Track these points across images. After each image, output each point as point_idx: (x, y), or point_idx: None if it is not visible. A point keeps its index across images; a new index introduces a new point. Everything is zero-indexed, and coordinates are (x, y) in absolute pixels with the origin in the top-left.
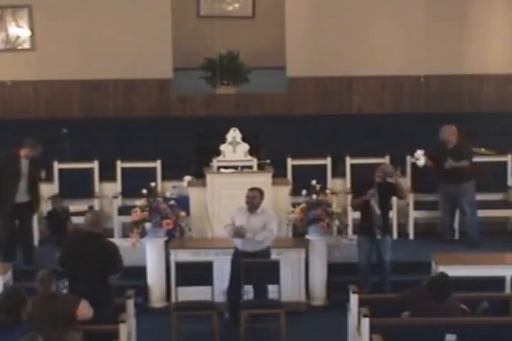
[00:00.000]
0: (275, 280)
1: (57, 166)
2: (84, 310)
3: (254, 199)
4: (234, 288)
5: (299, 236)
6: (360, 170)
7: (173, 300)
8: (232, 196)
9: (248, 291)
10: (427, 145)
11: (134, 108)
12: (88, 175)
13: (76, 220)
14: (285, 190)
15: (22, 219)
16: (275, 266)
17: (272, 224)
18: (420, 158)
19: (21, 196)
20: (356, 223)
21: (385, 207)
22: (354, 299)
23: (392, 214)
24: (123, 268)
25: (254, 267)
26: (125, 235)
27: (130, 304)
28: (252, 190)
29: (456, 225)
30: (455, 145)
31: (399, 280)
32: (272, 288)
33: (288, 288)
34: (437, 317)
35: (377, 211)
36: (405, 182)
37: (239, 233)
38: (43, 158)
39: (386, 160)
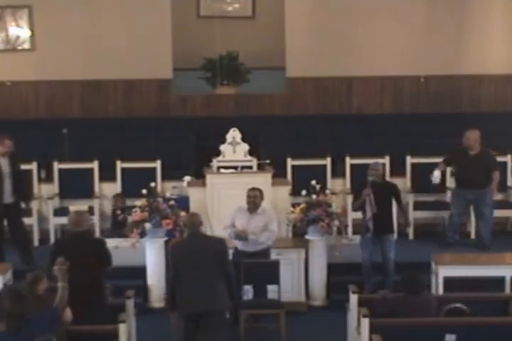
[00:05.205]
0: (275, 280)
1: (57, 166)
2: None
3: (255, 199)
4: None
5: (299, 236)
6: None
7: None
8: (232, 196)
9: (248, 291)
10: (427, 145)
11: (134, 108)
12: (88, 175)
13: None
14: (285, 190)
15: (11, 221)
16: (275, 266)
17: (273, 224)
18: (437, 177)
19: (7, 197)
20: (356, 223)
21: (385, 206)
22: (354, 299)
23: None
24: (113, 262)
25: (255, 267)
26: (125, 235)
27: (130, 304)
28: (252, 189)
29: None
30: (478, 152)
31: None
32: (271, 288)
33: (288, 288)
34: (416, 310)
35: (369, 212)
36: (405, 182)
37: (242, 236)
38: (42, 158)
39: (386, 160)
